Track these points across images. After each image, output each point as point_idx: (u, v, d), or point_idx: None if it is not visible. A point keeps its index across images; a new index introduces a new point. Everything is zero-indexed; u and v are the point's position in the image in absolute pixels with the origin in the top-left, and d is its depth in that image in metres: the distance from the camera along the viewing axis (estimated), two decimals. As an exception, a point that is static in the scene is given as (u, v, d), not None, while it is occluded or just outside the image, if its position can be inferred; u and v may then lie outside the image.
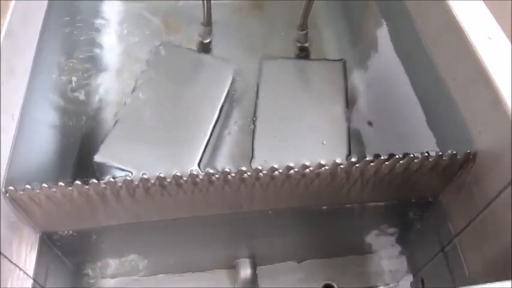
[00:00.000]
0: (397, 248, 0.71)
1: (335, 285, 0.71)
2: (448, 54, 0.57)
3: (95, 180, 0.49)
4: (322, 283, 0.71)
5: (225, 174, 0.50)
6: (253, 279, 0.72)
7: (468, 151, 0.52)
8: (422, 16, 0.64)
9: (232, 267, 0.73)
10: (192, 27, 0.86)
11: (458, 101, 0.55)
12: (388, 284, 0.72)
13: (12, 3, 0.59)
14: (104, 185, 0.50)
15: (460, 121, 0.54)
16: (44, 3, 0.67)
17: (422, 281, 0.69)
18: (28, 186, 0.49)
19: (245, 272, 0.72)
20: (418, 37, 0.63)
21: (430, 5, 0.61)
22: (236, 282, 0.72)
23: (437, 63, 0.60)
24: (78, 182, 0.49)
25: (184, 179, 0.50)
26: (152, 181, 0.50)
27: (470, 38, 0.53)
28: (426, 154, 0.52)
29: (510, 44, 0.53)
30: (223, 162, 0.71)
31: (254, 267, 0.72)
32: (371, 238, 0.70)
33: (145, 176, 0.49)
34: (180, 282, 0.71)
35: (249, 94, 0.78)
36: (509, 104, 0.47)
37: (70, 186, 0.49)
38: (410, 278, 0.71)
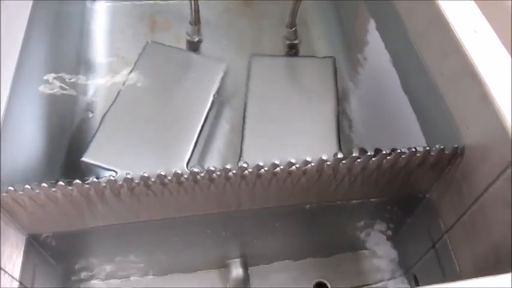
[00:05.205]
0: (389, 245, 0.71)
1: (327, 283, 0.70)
2: (435, 49, 0.57)
3: (78, 181, 0.48)
4: (314, 281, 0.71)
5: (210, 173, 0.50)
6: (245, 279, 0.71)
7: (456, 146, 0.51)
8: (409, 12, 0.63)
9: (223, 266, 0.72)
10: (181, 26, 0.86)
11: (446, 96, 0.55)
12: (380, 281, 0.72)
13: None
14: (87, 186, 0.49)
15: (448, 116, 0.54)
16: (28, 3, 0.66)
17: (415, 277, 0.69)
18: (11, 188, 0.48)
19: (237, 271, 0.71)
20: (405, 33, 0.63)
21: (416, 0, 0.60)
22: (228, 283, 0.71)
23: (425, 58, 0.59)
24: (61, 183, 0.48)
25: (169, 178, 0.50)
26: (136, 181, 0.49)
27: (457, 32, 0.53)
28: (414, 149, 0.51)
29: (497, 37, 0.52)
30: (213, 163, 0.71)
31: (246, 266, 0.72)
32: (362, 236, 0.70)
33: (129, 176, 0.49)
34: (170, 283, 0.70)
35: (238, 92, 0.77)
36: (497, 99, 0.47)
37: (54, 187, 0.48)
38: (402, 275, 0.71)
